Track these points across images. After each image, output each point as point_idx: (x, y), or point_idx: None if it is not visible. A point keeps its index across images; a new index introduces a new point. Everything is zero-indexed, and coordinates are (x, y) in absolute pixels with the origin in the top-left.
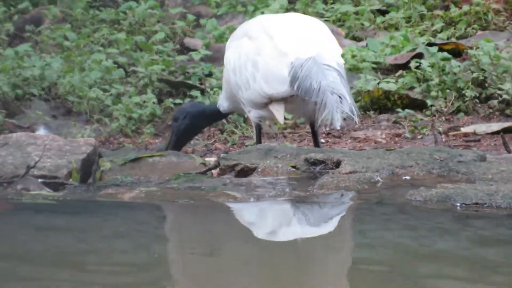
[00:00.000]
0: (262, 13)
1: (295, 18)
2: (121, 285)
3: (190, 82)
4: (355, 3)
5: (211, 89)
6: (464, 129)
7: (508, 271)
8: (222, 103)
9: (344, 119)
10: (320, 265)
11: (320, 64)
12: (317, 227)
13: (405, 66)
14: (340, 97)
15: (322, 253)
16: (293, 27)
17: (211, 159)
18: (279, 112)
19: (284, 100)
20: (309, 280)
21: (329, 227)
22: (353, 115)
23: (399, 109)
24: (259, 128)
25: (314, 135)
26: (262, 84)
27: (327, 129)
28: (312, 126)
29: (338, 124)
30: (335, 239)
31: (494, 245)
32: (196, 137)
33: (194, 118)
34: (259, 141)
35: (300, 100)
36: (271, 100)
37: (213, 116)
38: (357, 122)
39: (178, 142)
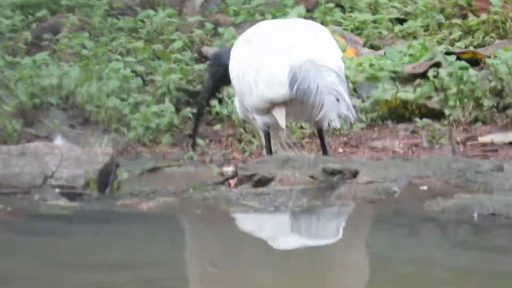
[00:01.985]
0: None
1: (296, 23)
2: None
3: None
4: (373, 12)
5: (229, 98)
6: (481, 139)
7: None
8: (237, 112)
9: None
10: (336, 275)
11: (318, 66)
12: (332, 238)
13: (423, 75)
14: (337, 98)
15: (338, 264)
16: (293, 31)
17: (229, 169)
18: (281, 116)
19: (285, 104)
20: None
21: (345, 237)
22: (351, 115)
23: (416, 119)
24: (267, 136)
25: (321, 140)
26: (263, 88)
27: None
28: (319, 131)
29: (336, 124)
30: (350, 249)
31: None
32: (214, 146)
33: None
34: (268, 149)
35: (300, 104)
36: (273, 104)
37: None
38: (354, 122)
39: (215, 86)
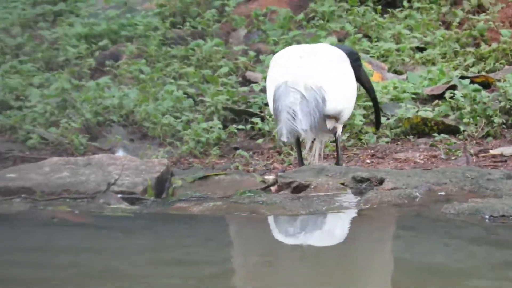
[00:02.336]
0: None
1: (316, 48)
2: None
3: (251, 110)
4: (397, 41)
5: (270, 116)
6: (492, 151)
7: None
8: None
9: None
10: (363, 267)
11: (288, 87)
12: (361, 235)
13: (440, 96)
14: (293, 116)
15: (366, 256)
16: (300, 56)
17: (270, 177)
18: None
19: None
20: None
21: (371, 236)
22: (303, 131)
23: (435, 134)
24: (298, 148)
25: (336, 148)
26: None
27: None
28: (334, 141)
29: (284, 138)
30: (377, 245)
31: None
32: (257, 158)
33: None
34: (300, 159)
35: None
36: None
37: None
38: (303, 135)
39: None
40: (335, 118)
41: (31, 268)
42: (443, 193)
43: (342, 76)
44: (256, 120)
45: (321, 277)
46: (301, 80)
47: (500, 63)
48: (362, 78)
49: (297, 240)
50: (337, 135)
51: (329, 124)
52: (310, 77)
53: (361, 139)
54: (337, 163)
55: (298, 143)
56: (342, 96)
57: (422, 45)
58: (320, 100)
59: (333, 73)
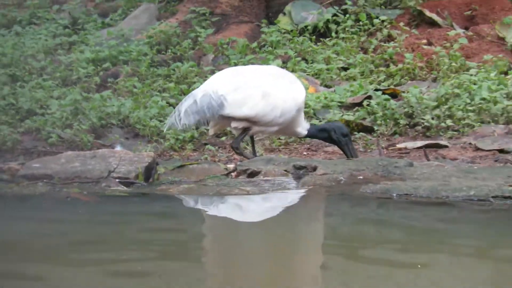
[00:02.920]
0: None
1: (249, 69)
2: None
3: None
4: (327, 63)
5: None
6: (398, 145)
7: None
8: None
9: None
10: (302, 233)
11: (190, 94)
12: (300, 209)
13: (360, 104)
14: (177, 114)
15: (305, 225)
16: (235, 73)
17: (231, 166)
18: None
19: None
20: (295, 245)
21: (307, 209)
22: (182, 126)
23: (355, 132)
24: (251, 141)
25: (251, 141)
26: None
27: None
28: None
29: (165, 129)
30: (310, 217)
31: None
32: (221, 151)
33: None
34: (253, 151)
35: None
36: None
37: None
38: (179, 128)
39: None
40: (247, 120)
41: (46, 235)
42: (361, 177)
43: (262, 89)
44: None
45: (269, 242)
46: (204, 89)
47: (405, 79)
48: (345, 150)
49: (250, 212)
50: (250, 133)
51: (238, 124)
52: (214, 87)
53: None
54: (253, 154)
55: (252, 139)
56: (252, 105)
57: (346, 66)
58: (215, 104)
59: (247, 86)
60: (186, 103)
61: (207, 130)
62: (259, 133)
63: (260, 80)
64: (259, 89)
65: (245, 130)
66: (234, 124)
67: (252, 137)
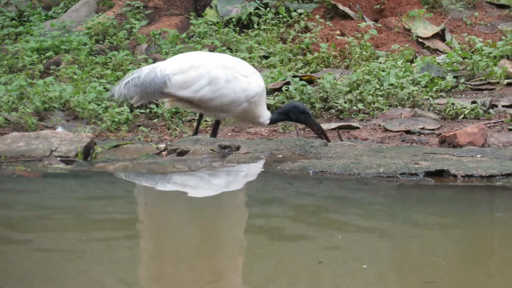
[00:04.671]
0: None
1: (196, 53)
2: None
3: None
4: (249, 52)
5: (162, 103)
6: None
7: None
8: None
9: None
10: (228, 203)
11: (139, 69)
12: (224, 186)
13: (279, 90)
14: (120, 84)
15: (230, 196)
16: (184, 56)
17: (162, 145)
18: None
19: None
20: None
21: (233, 184)
22: (120, 96)
23: None
24: (198, 121)
25: (214, 125)
26: None
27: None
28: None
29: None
30: (238, 192)
31: (331, 192)
32: (153, 132)
33: None
34: (196, 130)
35: None
36: None
37: None
38: (116, 97)
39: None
40: (190, 102)
41: None
42: (280, 156)
43: (210, 75)
44: (153, 106)
45: (197, 213)
46: (153, 66)
47: (320, 67)
48: (308, 125)
49: (183, 185)
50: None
51: (182, 104)
52: (163, 66)
53: (224, 119)
54: (212, 136)
55: (199, 118)
56: (196, 88)
57: (267, 54)
58: (158, 82)
59: (195, 70)
60: (131, 76)
61: (141, 113)
62: (212, 117)
63: (210, 66)
64: (207, 74)
65: (201, 117)
66: (177, 104)
67: (200, 118)
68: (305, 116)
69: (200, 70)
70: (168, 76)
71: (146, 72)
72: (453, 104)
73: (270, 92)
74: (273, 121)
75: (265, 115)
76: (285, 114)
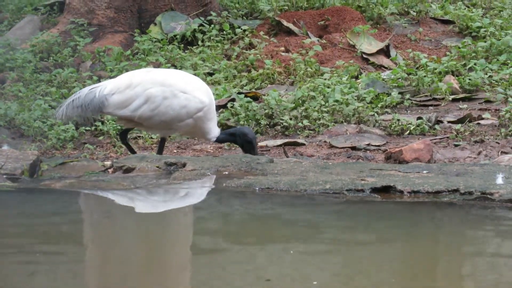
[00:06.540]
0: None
1: (141, 72)
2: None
3: (94, 117)
4: (194, 69)
5: (107, 120)
6: (260, 143)
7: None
8: None
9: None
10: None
11: (82, 90)
12: (172, 199)
13: (224, 106)
14: (61, 106)
15: (176, 212)
16: (125, 75)
17: (108, 163)
18: None
19: None
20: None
21: (179, 201)
22: (59, 115)
23: None
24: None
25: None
26: None
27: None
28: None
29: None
30: (183, 209)
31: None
32: (99, 149)
33: None
34: (131, 150)
35: None
36: None
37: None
38: (58, 118)
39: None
40: (131, 120)
41: None
42: (227, 172)
43: (147, 93)
44: (98, 123)
45: (141, 229)
46: (94, 86)
47: (265, 83)
48: (248, 151)
49: (129, 202)
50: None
51: (123, 122)
52: (103, 86)
53: (170, 136)
54: (158, 153)
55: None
56: (134, 107)
57: (212, 71)
58: (97, 102)
59: (132, 88)
60: (73, 97)
61: (86, 130)
62: (157, 133)
63: (147, 85)
64: (144, 93)
65: (128, 129)
66: (120, 122)
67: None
68: (249, 146)
69: (136, 89)
70: (106, 96)
71: (86, 92)
72: (398, 120)
73: (216, 108)
74: (219, 140)
75: (214, 132)
76: (233, 136)
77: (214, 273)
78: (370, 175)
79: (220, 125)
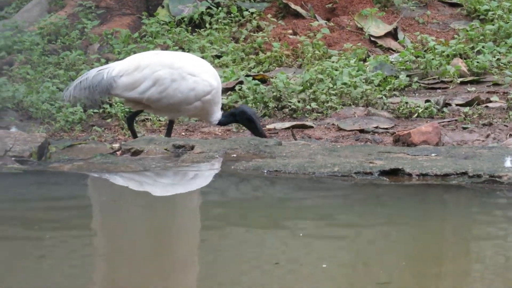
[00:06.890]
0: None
1: (151, 53)
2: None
3: (102, 99)
4: (202, 51)
5: (115, 103)
6: (268, 126)
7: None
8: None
9: None
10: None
11: (89, 71)
12: (181, 182)
13: (232, 89)
14: (69, 87)
15: (186, 194)
16: (133, 57)
17: (116, 145)
18: None
19: None
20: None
21: (187, 183)
22: (68, 98)
23: None
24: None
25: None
26: None
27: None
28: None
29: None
30: (192, 191)
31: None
32: (107, 132)
33: None
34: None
35: None
36: None
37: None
38: (66, 100)
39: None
40: (139, 102)
41: None
42: (235, 155)
43: (155, 75)
44: (106, 106)
45: (150, 212)
46: (101, 68)
47: (273, 66)
48: (252, 132)
49: (137, 185)
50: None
51: (131, 104)
52: (111, 68)
53: (178, 119)
54: (166, 135)
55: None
56: (142, 90)
57: (219, 54)
58: (105, 84)
59: (141, 71)
60: (80, 78)
61: (94, 112)
62: (165, 116)
63: (155, 67)
64: (152, 75)
65: (137, 113)
66: (128, 104)
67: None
68: (250, 123)
69: (144, 71)
70: (114, 78)
71: (94, 74)
72: (406, 103)
73: (223, 91)
74: (221, 123)
75: (216, 115)
76: (233, 116)
77: (221, 256)
78: (378, 158)
79: (228, 107)
